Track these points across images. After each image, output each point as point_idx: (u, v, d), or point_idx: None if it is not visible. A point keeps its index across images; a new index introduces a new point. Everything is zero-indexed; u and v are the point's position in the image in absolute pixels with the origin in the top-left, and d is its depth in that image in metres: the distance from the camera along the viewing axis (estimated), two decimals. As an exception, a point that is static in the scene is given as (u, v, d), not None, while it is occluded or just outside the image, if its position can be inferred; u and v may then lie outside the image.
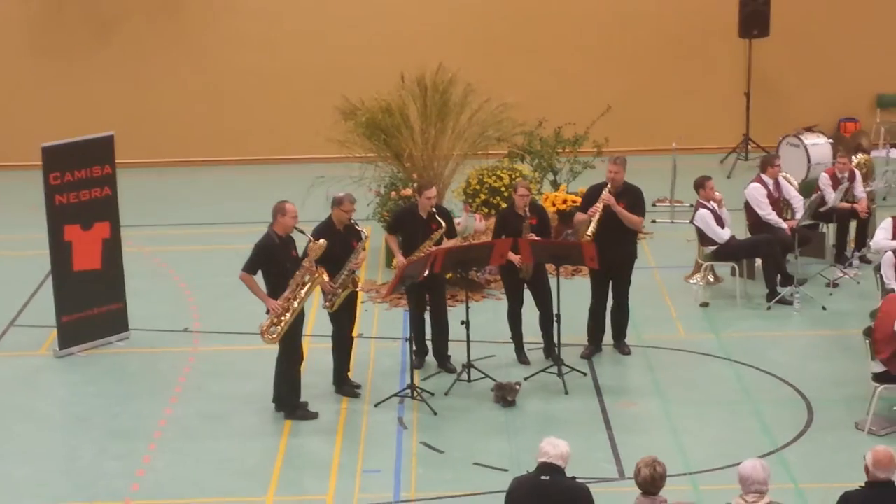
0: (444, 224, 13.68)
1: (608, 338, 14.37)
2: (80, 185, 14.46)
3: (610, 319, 14.36)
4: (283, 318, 12.65)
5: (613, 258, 13.83)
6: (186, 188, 21.14)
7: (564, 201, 17.17)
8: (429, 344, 14.04)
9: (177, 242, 18.40)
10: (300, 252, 12.95)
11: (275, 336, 12.69)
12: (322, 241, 12.80)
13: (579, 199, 16.30)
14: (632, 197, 14.07)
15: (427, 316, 13.96)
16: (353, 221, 13.21)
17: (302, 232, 12.86)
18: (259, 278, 12.81)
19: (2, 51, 21.87)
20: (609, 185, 13.95)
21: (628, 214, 13.96)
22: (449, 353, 13.98)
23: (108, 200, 14.68)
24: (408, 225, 13.87)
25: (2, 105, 21.92)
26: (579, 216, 14.36)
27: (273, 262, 12.72)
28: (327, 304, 13.16)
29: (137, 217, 18.03)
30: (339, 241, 13.09)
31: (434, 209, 13.72)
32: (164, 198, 20.56)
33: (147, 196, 20.02)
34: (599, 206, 13.86)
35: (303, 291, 12.70)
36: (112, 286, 14.83)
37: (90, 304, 14.67)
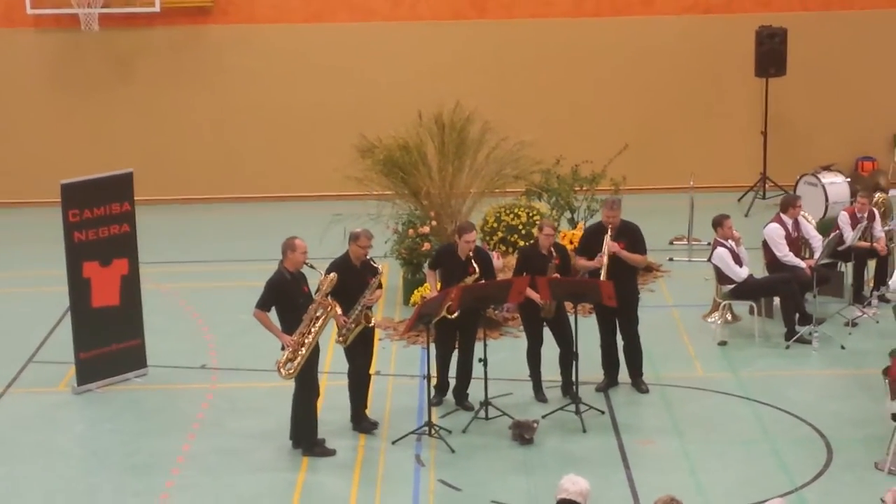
0: (478, 270, 13.65)
1: (625, 376, 14.35)
2: (99, 222, 14.51)
3: (624, 359, 14.36)
4: (298, 354, 12.67)
5: (617, 297, 13.75)
6: (204, 225, 21.18)
7: (582, 239, 17.15)
8: (449, 382, 14.03)
9: (195, 279, 18.43)
10: (312, 287, 12.97)
11: (291, 371, 12.71)
12: (333, 274, 12.84)
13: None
14: (631, 235, 14.15)
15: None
16: (369, 258, 13.25)
17: (312, 267, 12.87)
18: (274, 316, 12.83)
19: (21, 88, 21.98)
20: (609, 231, 13.99)
21: (633, 257, 14.10)
22: (467, 391, 13.98)
23: (126, 237, 14.73)
24: (447, 263, 13.89)
25: (21, 142, 22.01)
26: (579, 262, 14.35)
27: (285, 299, 12.75)
28: (340, 339, 13.17)
29: (156, 254, 18.06)
30: (355, 276, 13.11)
31: (472, 252, 13.75)
32: (182, 234, 20.61)
33: (165, 233, 20.07)
34: (605, 256, 13.88)
35: (316, 326, 12.71)
36: (130, 323, 14.85)
37: (108, 341, 14.70)
